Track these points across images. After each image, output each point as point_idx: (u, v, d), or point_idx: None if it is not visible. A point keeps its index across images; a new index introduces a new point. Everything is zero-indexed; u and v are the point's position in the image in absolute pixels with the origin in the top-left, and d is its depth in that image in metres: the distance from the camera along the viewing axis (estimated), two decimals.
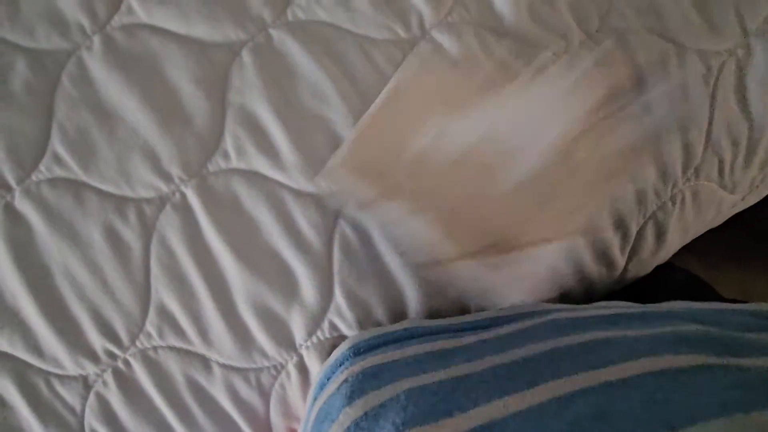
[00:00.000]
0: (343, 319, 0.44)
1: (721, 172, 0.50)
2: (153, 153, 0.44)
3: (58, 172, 0.44)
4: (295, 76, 0.45)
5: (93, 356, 0.43)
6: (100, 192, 0.44)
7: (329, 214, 0.44)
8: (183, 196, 0.44)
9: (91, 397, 0.43)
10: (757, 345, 0.26)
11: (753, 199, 0.55)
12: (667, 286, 0.53)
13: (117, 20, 0.46)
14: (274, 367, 0.45)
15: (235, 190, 0.44)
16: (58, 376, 0.43)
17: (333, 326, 0.45)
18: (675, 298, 0.37)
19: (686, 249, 0.54)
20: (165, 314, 0.43)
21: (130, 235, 0.43)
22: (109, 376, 0.43)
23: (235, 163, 0.44)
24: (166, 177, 0.44)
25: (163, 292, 0.43)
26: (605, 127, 0.44)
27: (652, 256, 0.51)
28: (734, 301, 0.46)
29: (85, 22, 0.45)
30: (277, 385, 0.45)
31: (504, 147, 0.42)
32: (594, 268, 0.49)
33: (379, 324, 0.45)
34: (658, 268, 0.54)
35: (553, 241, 0.44)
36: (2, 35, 0.45)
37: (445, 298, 0.45)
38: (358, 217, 0.44)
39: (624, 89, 0.46)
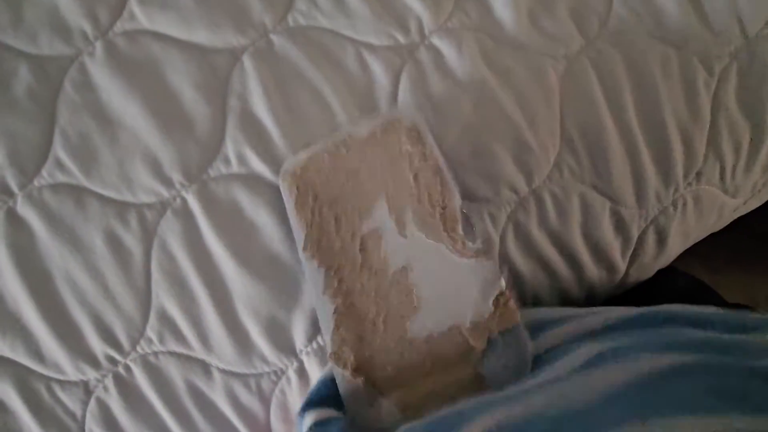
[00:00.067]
0: None
1: (722, 176, 0.50)
2: (154, 158, 0.44)
3: (60, 177, 0.44)
4: (296, 81, 0.45)
5: (94, 361, 0.43)
6: (101, 197, 0.44)
7: None
8: (184, 201, 0.44)
9: (92, 403, 0.43)
10: (747, 347, 0.26)
11: (755, 203, 0.55)
12: (670, 291, 0.53)
13: (119, 26, 0.46)
14: (275, 372, 0.44)
15: (235, 196, 0.44)
16: (59, 382, 0.43)
17: None
18: (677, 303, 0.37)
19: (689, 253, 0.54)
20: (166, 319, 0.43)
21: (131, 240, 0.43)
22: (109, 382, 0.43)
23: (235, 168, 0.44)
24: (167, 182, 0.44)
25: (163, 298, 0.43)
26: None
27: (654, 261, 0.51)
28: (737, 305, 0.45)
29: (88, 28, 0.46)
30: (277, 391, 0.45)
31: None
32: (595, 273, 0.49)
33: None
34: (661, 272, 0.53)
35: None
36: (5, 41, 0.45)
37: None
38: None
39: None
